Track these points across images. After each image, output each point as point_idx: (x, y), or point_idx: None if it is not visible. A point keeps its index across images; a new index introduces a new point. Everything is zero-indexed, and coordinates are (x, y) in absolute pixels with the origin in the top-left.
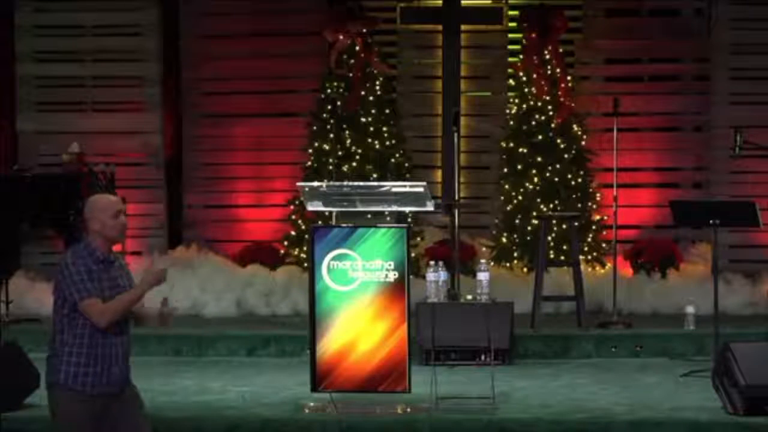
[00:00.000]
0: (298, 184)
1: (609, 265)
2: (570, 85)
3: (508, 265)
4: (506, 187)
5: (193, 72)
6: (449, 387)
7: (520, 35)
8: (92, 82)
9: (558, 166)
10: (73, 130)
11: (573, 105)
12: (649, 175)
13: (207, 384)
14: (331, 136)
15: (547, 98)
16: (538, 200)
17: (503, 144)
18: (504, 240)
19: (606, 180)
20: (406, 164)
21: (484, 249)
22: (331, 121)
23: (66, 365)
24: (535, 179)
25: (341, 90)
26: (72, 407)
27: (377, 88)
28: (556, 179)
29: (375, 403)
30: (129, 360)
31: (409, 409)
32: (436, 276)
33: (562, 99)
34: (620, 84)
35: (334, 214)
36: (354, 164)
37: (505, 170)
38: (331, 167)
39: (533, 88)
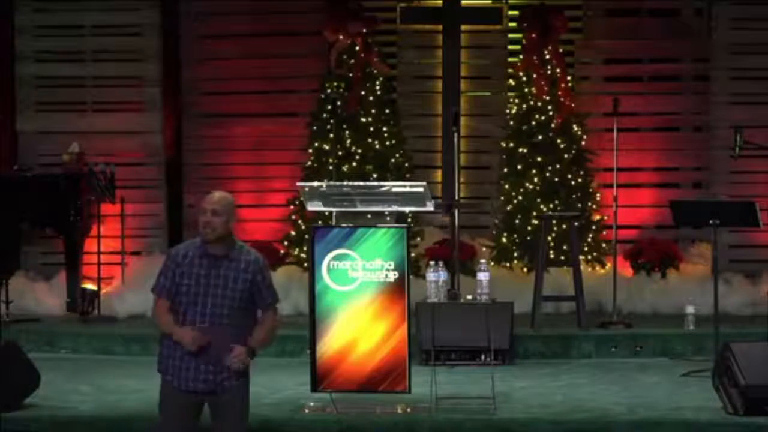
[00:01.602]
0: (298, 184)
1: (609, 265)
2: (570, 85)
3: (508, 265)
4: (506, 187)
5: (193, 72)
6: (449, 387)
7: (520, 35)
8: (92, 82)
9: (558, 166)
10: (73, 130)
11: (573, 105)
12: (649, 175)
13: None
14: (331, 136)
15: (547, 98)
16: (538, 200)
17: (503, 144)
18: (504, 240)
19: (606, 180)
20: (406, 164)
21: (484, 249)
22: (331, 121)
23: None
24: (535, 179)
25: (341, 90)
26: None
27: (377, 88)
28: (556, 179)
29: (375, 403)
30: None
31: (409, 409)
32: (436, 276)
33: (562, 99)
34: (620, 84)
35: (334, 214)
36: (354, 164)
37: (505, 170)
38: (331, 167)
39: (533, 88)
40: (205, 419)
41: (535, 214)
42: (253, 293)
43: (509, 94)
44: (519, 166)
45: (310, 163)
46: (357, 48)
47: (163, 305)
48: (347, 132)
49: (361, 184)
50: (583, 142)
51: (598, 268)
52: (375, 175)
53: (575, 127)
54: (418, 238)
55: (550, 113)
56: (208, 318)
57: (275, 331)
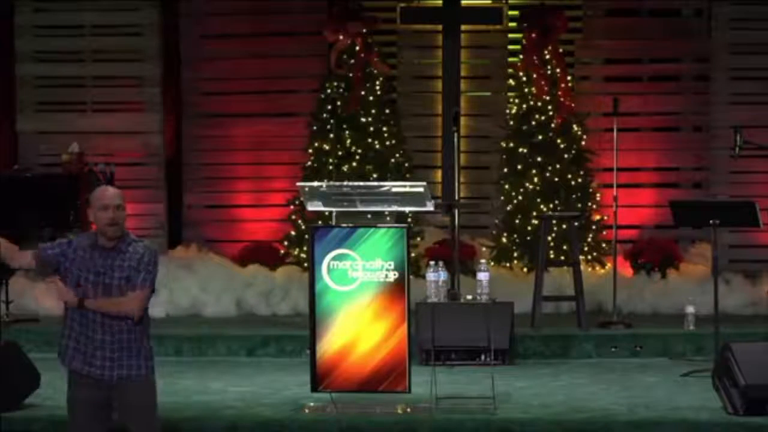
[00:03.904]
0: (298, 184)
1: (609, 265)
2: (570, 85)
3: (508, 265)
4: (506, 187)
5: (193, 72)
6: (449, 387)
7: (520, 35)
8: (92, 82)
9: (558, 166)
10: (73, 130)
11: (573, 105)
12: (649, 175)
13: (207, 384)
14: (331, 136)
15: (547, 98)
16: (538, 200)
17: (503, 144)
18: (504, 240)
19: (606, 180)
20: (406, 164)
21: (484, 249)
22: (331, 121)
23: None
24: (535, 179)
25: (341, 90)
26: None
27: (377, 88)
28: (556, 179)
29: (375, 403)
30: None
31: (409, 409)
32: (436, 276)
33: (562, 99)
34: (620, 84)
35: (334, 214)
36: (354, 164)
37: (505, 170)
38: (331, 167)
39: (533, 88)
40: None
41: (535, 214)
42: (129, 280)
43: (509, 94)
44: (519, 166)
45: (309, 163)
46: (357, 48)
47: (30, 253)
48: (347, 132)
49: (361, 184)
50: (583, 142)
51: (598, 268)
52: (375, 175)
53: (575, 127)
54: (418, 238)
55: (550, 113)
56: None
57: (123, 307)
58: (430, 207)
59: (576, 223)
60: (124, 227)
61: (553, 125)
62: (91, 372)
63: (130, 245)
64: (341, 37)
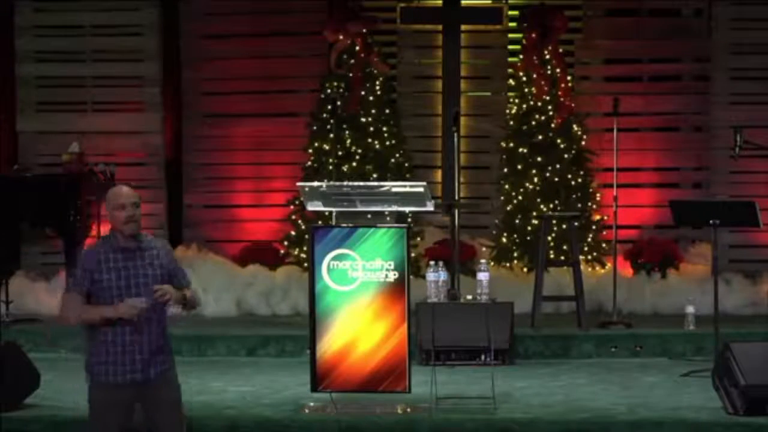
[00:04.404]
0: (298, 184)
1: (609, 265)
2: (570, 85)
3: (508, 265)
4: (506, 187)
5: (193, 72)
6: (449, 387)
7: (520, 35)
8: (92, 82)
9: (558, 166)
10: (73, 130)
11: (573, 105)
12: (649, 175)
13: (207, 384)
14: (331, 136)
15: (547, 98)
16: (538, 200)
17: (503, 144)
18: (504, 240)
19: (606, 180)
20: (406, 164)
21: (484, 249)
22: (331, 121)
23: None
24: (535, 179)
25: (341, 90)
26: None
27: (377, 88)
28: (556, 179)
29: (375, 403)
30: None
31: (409, 409)
32: (436, 276)
33: (562, 99)
34: (620, 84)
35: (334, 214)
36: (354, 164)
37: (505, 170)
38: (331, 167)
39: (533, 88)
40: None
41: (535, 214)
42: (171, 278)
43: (509, 94)
44: (519, 166)
45: (310, 163)
46: (357, 48)
47: (77, 298)
48: (347, 132)
49: (361, 184)
50: (583, 142)
51: (598, 268)
52: (375, 175)
53: (575, 127)
54: (418, 238)
55: (550, 113)
56: None
57: (199, 302)
58: (430, 207)
59: (576, 223)
60: (140, 224)
61: (553, 125)
62: (128, 378)
63: (144, 239)
64: (341, 37)
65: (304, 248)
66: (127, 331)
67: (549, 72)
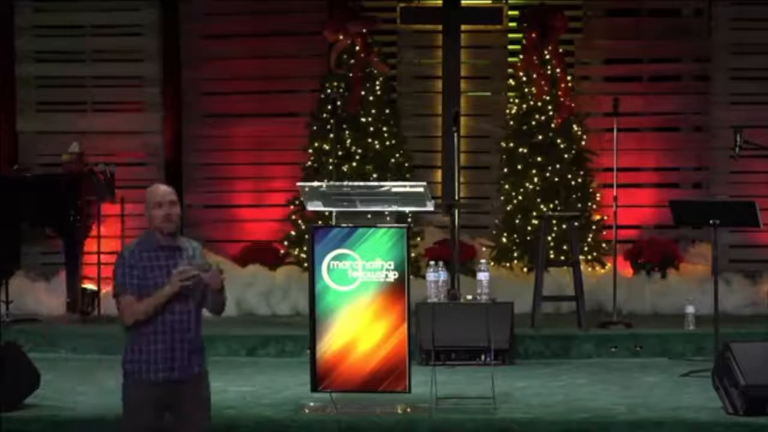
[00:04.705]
0: (298, 184)
1: (609, 265)
2: (570, 85)
3: (508, 265)
4: (506, 187)
5: (193, 72)
6: (449, 387)
7: (520, 35)
8: (92, 82)
9: (558, 166)
10: (73, 130)
11: (573, 105)
12: (649, 175)
13: None
14: (331, 136)
15: (547, 98)
16: (538, 200)
17: (503, 144)
18: (504, 240)
19: (606, 180)
20: (406, 164)
21: (484, 249)
22: (331, 121)
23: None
24: (535, 179)
25: (341, 90)
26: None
27: (377, 88)
28: (556, 179)
29: (375, 403)
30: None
31: (409, 409)
32: (436, 276)
33: (562, 99)
34: (620, 84)
35: (334, 214)
36: (354, 164)
37: (505, 170)
38: (331, 167)
39: (533, 88)
40: None
41: (535, 214)
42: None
43: (509, 94)
44: (519, 166)
45: (310, 163)
46: (357, 48)
47: (131, 300)
48: (347, 132)
49: (361, 184)
50: (583, 142)
51: (598, 268)
52: (375, 175)
53: (575, 127)
54: (418, 238)
55: (550, 113)
56: (177, 306)
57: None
58: (430, 207)
59: (576, 223)
60: (179, 223)
61: (553, 125)
62: (161, 377)
63: (179, 237)
64: (341, 37)
65: (304, 248)
66: (166, 330)
67: (549, 72)
